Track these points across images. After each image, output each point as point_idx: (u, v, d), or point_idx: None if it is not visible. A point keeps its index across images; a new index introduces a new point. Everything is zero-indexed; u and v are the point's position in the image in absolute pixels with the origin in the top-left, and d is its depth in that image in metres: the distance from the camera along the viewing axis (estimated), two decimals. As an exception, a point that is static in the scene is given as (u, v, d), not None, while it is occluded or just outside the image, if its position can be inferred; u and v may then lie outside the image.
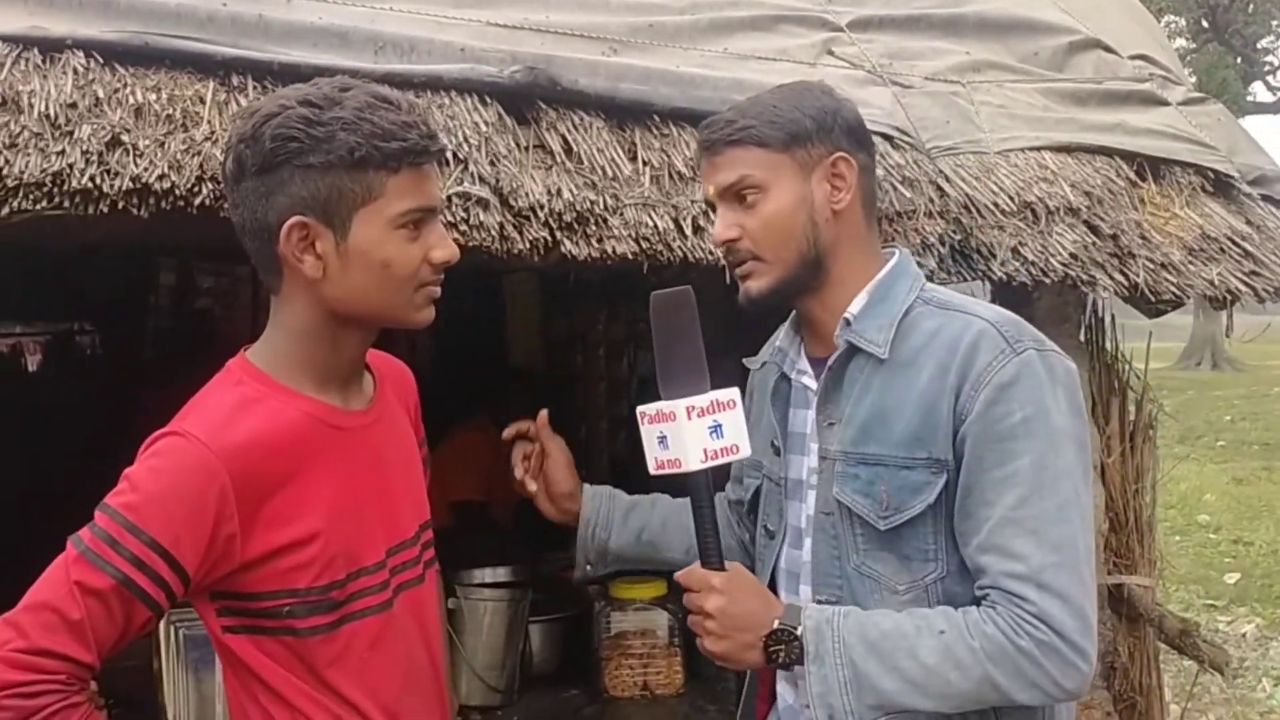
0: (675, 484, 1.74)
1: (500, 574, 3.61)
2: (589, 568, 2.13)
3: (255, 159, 1.52)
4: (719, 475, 1.75)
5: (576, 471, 2.11)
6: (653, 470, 1.71)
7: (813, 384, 1.81)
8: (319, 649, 1.57)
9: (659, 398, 1.69)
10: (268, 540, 1.53)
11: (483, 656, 3.35)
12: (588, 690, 3.45)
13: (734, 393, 1.69)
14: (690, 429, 1.64)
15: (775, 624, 1.66)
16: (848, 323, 1.73)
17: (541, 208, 2.39)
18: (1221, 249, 3.08)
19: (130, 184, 2.05)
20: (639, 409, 1.71)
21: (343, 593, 1.59)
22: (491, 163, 2.39)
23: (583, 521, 2.09)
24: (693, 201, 2.56)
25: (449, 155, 2.35)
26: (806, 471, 1.81)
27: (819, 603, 1.74)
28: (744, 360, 1.94)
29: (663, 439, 1.68)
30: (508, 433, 2.09)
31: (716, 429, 1.66)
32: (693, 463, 1.65)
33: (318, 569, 1.56)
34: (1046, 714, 1.70)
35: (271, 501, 1.54)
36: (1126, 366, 3.51)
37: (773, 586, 1.85)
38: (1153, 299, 2.97)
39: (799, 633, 1.64)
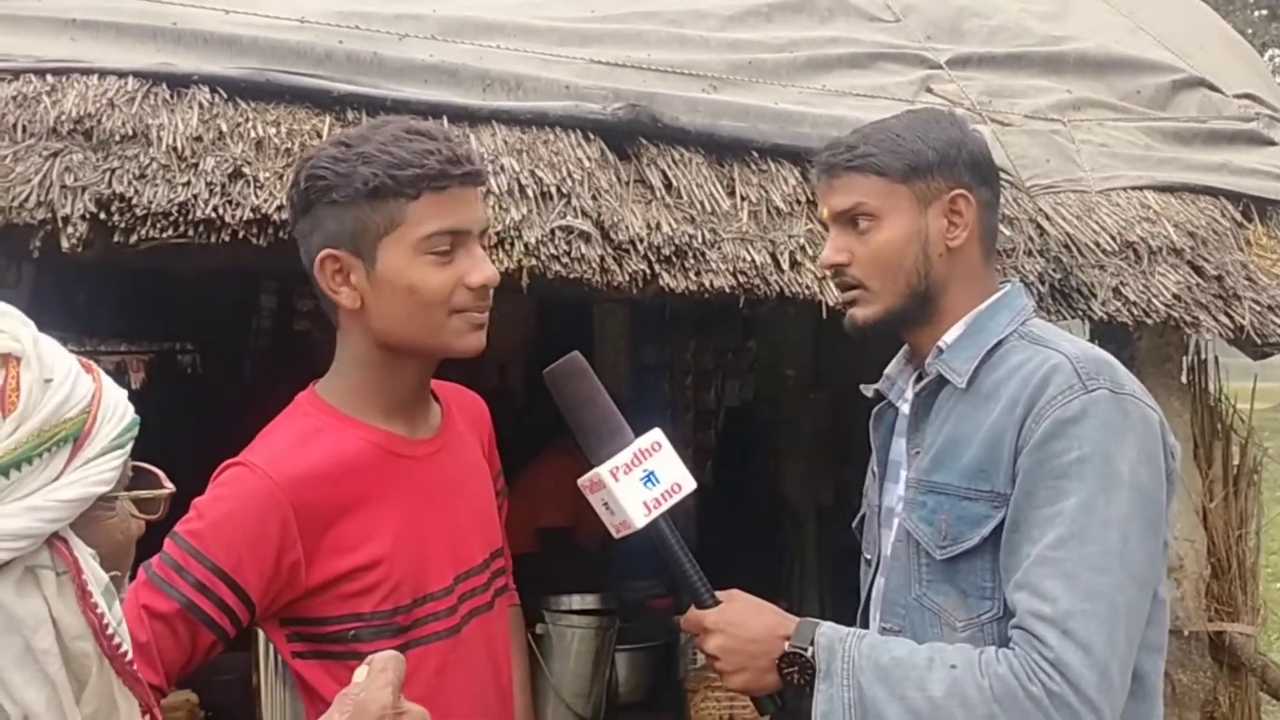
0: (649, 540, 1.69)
1: (588, 601, 3.64)
2: None
3: (297, 202, 1.59)
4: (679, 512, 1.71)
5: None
6: (615, 535, 1.67)
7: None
8: None
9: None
10: (332, 566, 1.57)
11: (569, 683, 3.38)
12: (673, 721, 3.45)
13: (656, 435, 1.66)
14: (622, 489, 1.61)
15: (786, 646, 1.62)
16: (940, 351, 1.70)
17: (641, 241, 2.43)
18: (1331, 291, 3.01)
19: (250, 214, 2.14)
20: (579, 482, 1.68)
21: (408, 618, 1.61)
22: (594, 197, 2.44)
23: None
24: (790, 236, 2.59)
25: (553, 190, 2.40)
26: (896, 499, 1.77)
27: (884, 630, 1.70)
28: (860, 386, 1.90)
29: (606, 505, 1.65)
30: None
31: (649, 477, 1.62)
32: (638, 520, 1.61)
33: (383, 594, 1.59)
34: None
35: (335, 529, 1.57)
36: (1230, 408, 3.43)
37: (865, 615, 1.83)
38: (1259, 341, 2.91)
39: (809, 653, 1.60)
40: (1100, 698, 1.47)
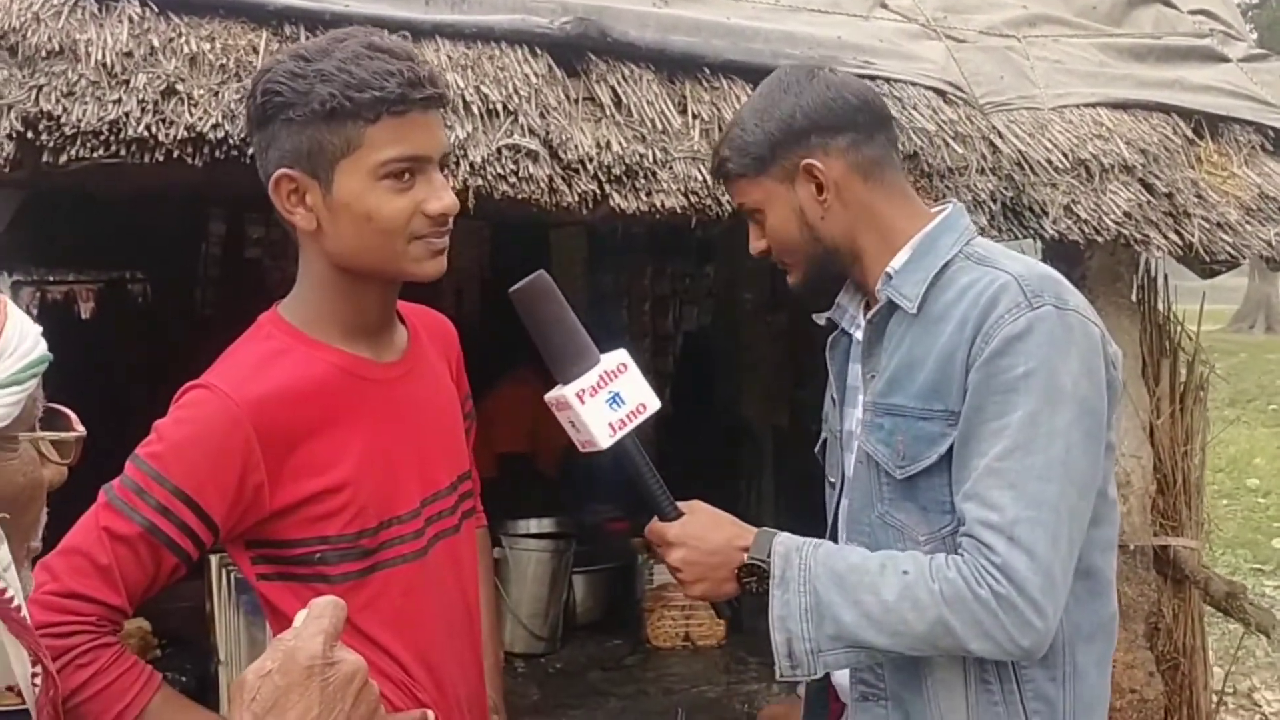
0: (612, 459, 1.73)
1: (545, 524, 3.66)
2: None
3: (253, 115, 1.55)
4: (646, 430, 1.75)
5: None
6: (581, 451, 1.72)
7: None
8: (351, 595, 1.54)
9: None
10: (296, 489, 1.56)
11: (527, 605, 3.40)
12: (630, 640, 3.49)
13: (621, 355, 1.70)
14: (588, 411, 1.65)
15: (745, 557, 1.69)
16: (889, 277, 1.74)
17: (590, 160, 2.38)
18: (1280, 209, 3.03)
19: (185, 133, 2.07)
20: (545, 398, 1.71)
21: (374, 540, 1.61)
22: (541, 115, 2.38)
23: None
24: (742, 155, 2.54)
25: (499, 107, 2.35)
26: (855, 423, 1.83)
27: None
28: (813, 316, 1.94)
29: (572, 424, 1.68)
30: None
31: (615, 399, 1.66)
32: (602, 440, 1.66)
33: (348, 517, 1.58)
34: (1065, 669, 1.70)
35: (299, 451, 1.56)
36: (1178, 327, 3.46)
37: (834, 536, 1.89)
38: (1207, 259, 2.92)
39: (767, 563, 1.67)
40: (1044, 598, 1.55)
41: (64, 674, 1.41)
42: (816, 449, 2.01)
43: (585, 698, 3.15)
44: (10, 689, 1.02)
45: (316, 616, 0.99)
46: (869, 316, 1.78)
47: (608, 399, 1.66)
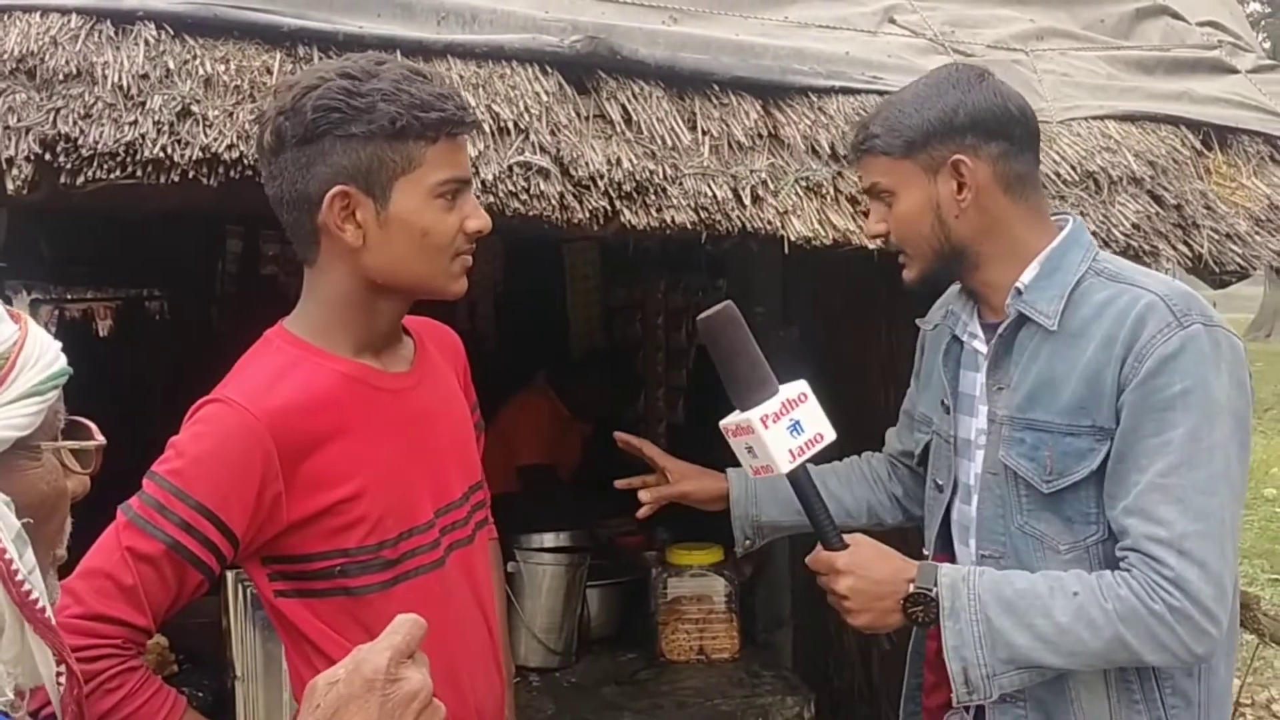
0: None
1: (560, 538, 3.66)
2: (748, 542, 2.23)
3: (296, 130, 1.55)
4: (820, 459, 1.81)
5: (709, 467, 2.24)
6: (751, 476, 1.79)
7: (983, 348, 1.88)
8: (375, 607, 1.60)
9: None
10: (313, 500, 1.57)
11: (541, 619, 3.40)
12: (644, 654, 3.50)
13: (801, 386, 1.75)
14: (770, 436, 1.70)
15: (911, 588, 1.73)
16: (1019, 292, 1.79)
17: (601, 177, 2.40)
18: (1290, 219, 3.02)
19: (200, 154, 2.09)
20: (721, 424, 1.78)
21: (395, 551, 1.62)
22: (552, 132, 2.40)
23: (733, 502, 2.21)
24: (751, 171, 2.56)
25: (510, 125, 2.37)
26: (975, 432, 1.89)
27: (982, 558, 1.83)
28: (916, 320, 1.99)
29: (749, 449, 1.74)
30: (620, 442, 2.21)
31: (795, 426, 1.72)
32: (783, 466, 1.71)
33: (367, 528, 1.60)
34: (1200, 666, 1.75)
35: (313, 460, 1.57)
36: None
37: (945, 537, 1.95)
38: (1217, 270, 2.92)
39: (934, 593, 1.71)
40: (1217, 608, 1.62)
41: (92, 699, 1.43)
42: (918, 451, 2.08)
43: (600, 712, 3.15)
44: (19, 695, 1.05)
45: (391, 631, 1.02)
46: (1000, 331, 1.82)
47: (788, 426, 1.71)
